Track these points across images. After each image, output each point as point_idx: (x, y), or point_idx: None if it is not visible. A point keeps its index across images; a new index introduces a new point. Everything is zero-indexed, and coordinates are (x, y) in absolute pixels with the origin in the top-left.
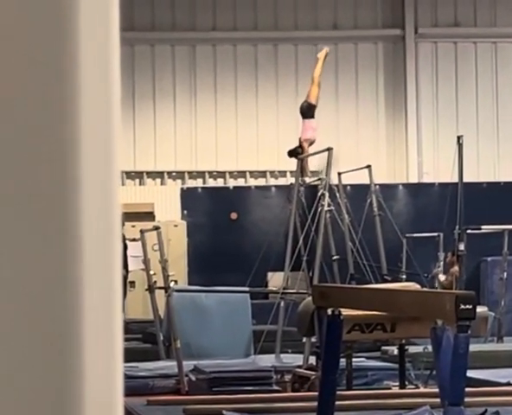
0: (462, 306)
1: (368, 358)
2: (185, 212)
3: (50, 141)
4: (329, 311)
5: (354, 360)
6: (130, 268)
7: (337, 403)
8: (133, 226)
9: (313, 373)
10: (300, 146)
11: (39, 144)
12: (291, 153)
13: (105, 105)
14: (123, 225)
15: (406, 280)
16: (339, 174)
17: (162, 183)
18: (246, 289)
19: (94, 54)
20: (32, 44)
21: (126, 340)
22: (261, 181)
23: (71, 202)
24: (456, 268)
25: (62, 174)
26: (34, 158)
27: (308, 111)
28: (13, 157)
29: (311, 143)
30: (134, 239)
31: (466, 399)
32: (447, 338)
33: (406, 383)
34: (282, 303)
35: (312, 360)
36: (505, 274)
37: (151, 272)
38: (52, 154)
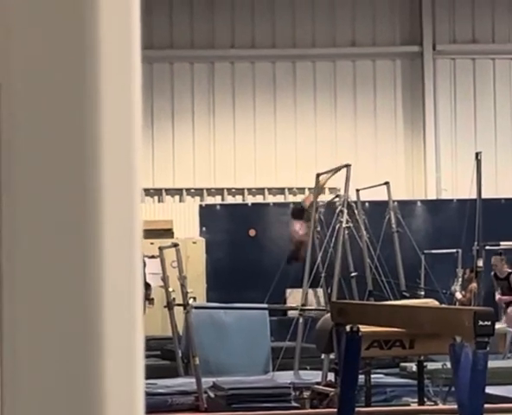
0: (480, 322)
1: (386, 374)
2: (204, 229)
3: (72, 159)
4: (348, 328)
5: (372, 376)
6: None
7: None
8: (152, 244)
9: (332, 389)
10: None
11: (61, 163)
12: (295, 213)
13: (127, 124)
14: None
15: (425, 297)
16: (357, 190)
17: (180, 200)
18: (265, 305)
19: (116, 73)
20: (54, 64)
21: (145, 356)
22: (279, 198)
23: (92, 221)
24: (474, 284)
25: (84, 192)
26: (57, 176)
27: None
28: (38, 175)
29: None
30: (153, 256)
31: None
32: (466, 354)
33: (425, 399)
34: (300, 320)
35: (331, 376)
36: None
37: (170, 289)
38: (74, 172)
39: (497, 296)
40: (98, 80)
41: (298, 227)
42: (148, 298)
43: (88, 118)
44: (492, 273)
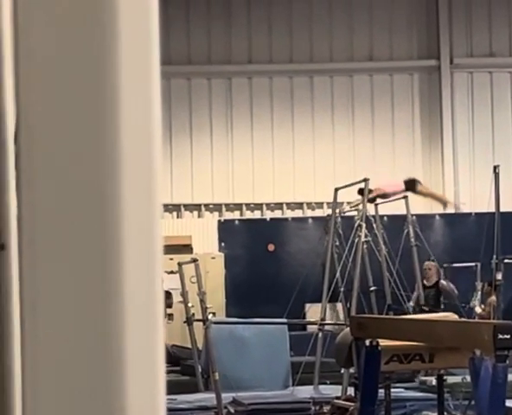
0: (500, 336)
1: (406, 388)
2: (222, 244)
3: (92, 175)
4: (367, 342)
5: (392, 390)
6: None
7: None
8: (171, 259)
9: (352, 404)
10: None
11: (82, 179)
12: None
13: (147, 140)
14: None
15: (444, 310)
16: (376, 204)
17: (199, 216)
18: (284, 320)
19: (135, 89)
20: (73, 83)
21: (165, 372)
22: (298, 213)
23: (112, 236)
24: (493, 298)
25: (104, 209)
26: (77, 193)
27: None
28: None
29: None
30: (172, 272)
31: None
32: (485, 368)
33: (445, 413)
34: (320, 334)
35: (351, 391)
36: None
37: (189, 304)
38: (94, 188)
39: None
40: (118, 96)
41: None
42: (169, 306)
43: (108, 134)
44: None
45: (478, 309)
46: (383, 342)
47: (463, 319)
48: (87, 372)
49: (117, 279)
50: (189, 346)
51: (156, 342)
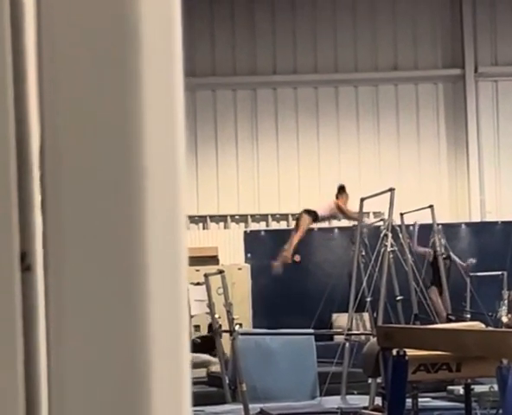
0: None
1: (434, 398)
2: (249, 255)
3: (117, 190)
4: (394, 352)
5: (420, 400)
6: (193, 312)
7: None
8: (197, 270)
9: (379, 413)
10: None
11: (107, 193)
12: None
13: (171, 155)
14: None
15: (471, 319)
16: (401, 214)
17: (225, 227)
18: (311, 331)
19: (159, 103)
20: (96, 96)
21: (192, 383)
22: (324, 223)
23: (137, 249)
24: None
25: (128, 222)
26: (102, 209)
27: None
28: (84, 203)
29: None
30: (198, 283)
31: None
32: None
33: None
34: (347, 345)
35: (378, 401)
36: None
37: (216, 316)
38: (118, 201)
39: None
40: (141, 108)
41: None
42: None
43: (133, 147)
44: None
45: (505, 319)
46: (410, 352)
47: (489, 328)
48: (113, 395)
49: (141, 294)
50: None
51: (182, 355)
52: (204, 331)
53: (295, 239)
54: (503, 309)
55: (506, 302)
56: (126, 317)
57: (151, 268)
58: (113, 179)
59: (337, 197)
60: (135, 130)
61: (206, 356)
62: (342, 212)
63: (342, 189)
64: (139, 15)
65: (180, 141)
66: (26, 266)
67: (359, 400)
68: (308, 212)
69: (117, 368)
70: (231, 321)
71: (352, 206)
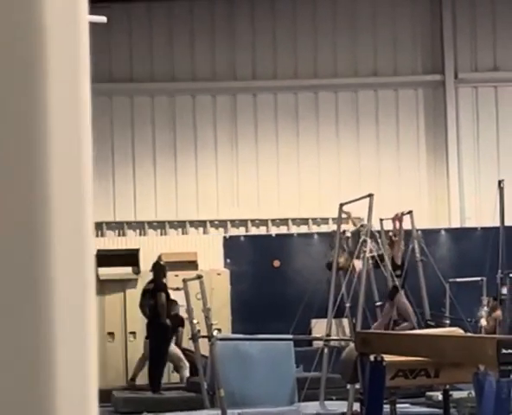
0: (504, 351)
1: (412, 404)
2: (228, 260)
3: (20, 198)
4: (372, 358)
5: (398, 406)
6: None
7: None
8: (176, 276)
9: None
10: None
11: (8, 201)
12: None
13: (76, 163)
14: (165, 275)
15: (450, 325)
16: (381, 220)
17: (204, 232)
18: (290, 336)
19: (64, 114)
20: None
21: (170, 389)
22: (303, 229)
23: (41, 258)
24: (498, 313)
25: (32, 231)
26: (6, 217)
27: None
28: None
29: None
30: (177, 289)
31: None
32: (490, 383)
33: None
34: (326, 350)
35: (357, 406)
36: None
37: (195, 321)
38: (22, 210)
39: None
40: (45, 118)
41: None
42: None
43: (37, 156)
44: None
45: (484, 322)
46: (388, 358)
47: (468, 334)
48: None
49: (46, 306)
50: None
51: (87, 366)
52: (184, 337)
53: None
54: (483, 311)
55: (485, 307)
56: (30, 321)
57: (57, 276)
58: (17, 187)
59: None
60: (39, 139)
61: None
62: None
63: None
64: (44, 24)
65: (86, 149)
66: None
67: (337, 406)
68: None
69: (21, 369)
70: (209, 326)
71: (331, 211)
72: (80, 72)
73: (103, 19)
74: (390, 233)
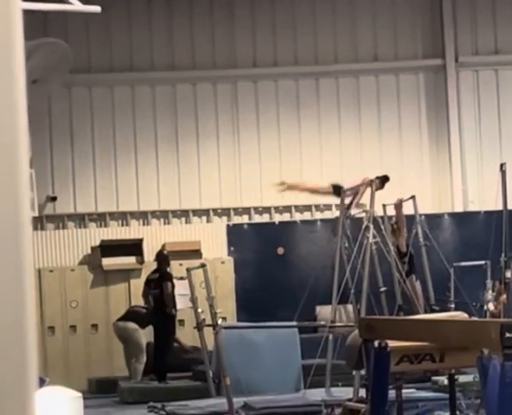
0: (507, 334)
1: (418, 389)
2: (232, 248)
3: None
4: (376, 343)
5: (404, 391)
6: (178, 307)
7: None
8: (180, 265)
9: (363, 405)
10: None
11: None
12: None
13: (12, 154)
14: (169, 264)
15: (455, 309)
16: (384, 205)
17: (208, 221)
18: (294, 323)
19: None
20: None
21: (177, 378)
22: (307, 216)
23: None
24: (504, 296)
25: None
26: None
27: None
28: None
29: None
30: (182, 278)
31: None
32: (494, 367)
33: (458, 413)
34: (330, 337)
35: (363, 392)
36: None
37: (199, 310)
38: None
39: None
40: None
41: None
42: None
43: None
44: None
45: (491, 306)
46: (393, 343)
47: (473, 318)
48: None
49: None
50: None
51: (27, 352)
52: (189, 326)
53: (308, 186)
54: (490, 296)
55: (490, 291)
56: None
57: None
58: None
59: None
60: None
61: (131, 324)
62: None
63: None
64: None
65: (21, 142)
66: None
67: (343, 392)
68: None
69: None
70: (214, 315)
71: (334, 197)
72: (13, 61)
73: (97, 9)
74: (392, 222)
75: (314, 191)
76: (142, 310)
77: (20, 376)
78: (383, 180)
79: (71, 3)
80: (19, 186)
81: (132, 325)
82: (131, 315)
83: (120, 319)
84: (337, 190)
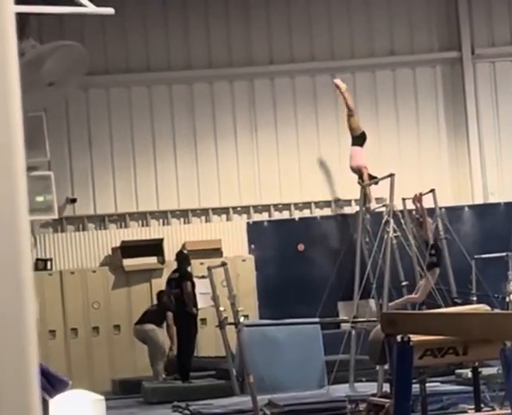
0: None
1: (442, 382)
2: (252, 246)
3: None
4: (399, 338)
5: (428, 385)
6: (199, 305)
7: None
8: (201, 264)
9: (388, 400)
10: (359, 173)
11: None
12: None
13: (7, 154)
14: (189, 263)
15: (477, 302)
16: (403, 199)
17: (227, 219)
18: (317, 320)
19: None
20: None
21: (200, 377)
22: (326, 211)
23: None
24: None
25: None
26: None
27: (358, 139)
28: None
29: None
30: (203, 276)
31: None
32: None
33: (482, 405)
34: (353, 332)
35: (387, 387)
36: None
37: (221, 308)
38: None
39: None
40: None
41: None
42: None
43: None
44: None
45: None
46: (416, 337)
47: (495, 310)
48: None
49: None
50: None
51: (28, 351)
52: (211, 324)
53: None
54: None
55: None
56: None
57: None
58: None
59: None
60: None
61: (149, 326)
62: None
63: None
64: None
65: (17, 139)
66: None
67: (367, 387)
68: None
69: None
70: (235, 313)
71: (353, 193)
72: (7, 61)
73: (110, 11)
74: (416, 215)
75: (350, 113)
76: (154, 308)
77: (20, 374)
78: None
79: (84, 6)
80: (16, 187)
81: (150, 326)
82: (146, 316)
83: (137, 322)
84: (360, 140)
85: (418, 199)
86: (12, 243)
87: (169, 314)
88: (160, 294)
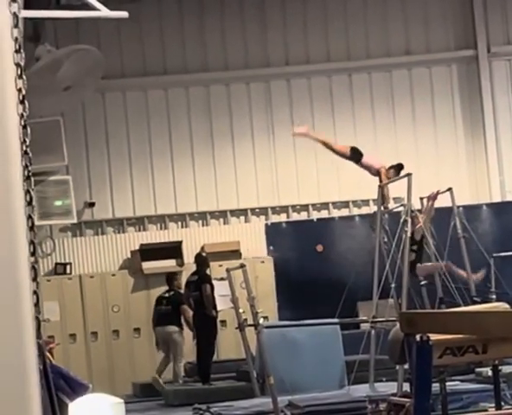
0: None
1: (462, 381)
2: (271, 247)
3: None
4: (418, 337)
5: (448, 384)
6: (219, 308)
7: None
8: (220, 266)
9: (408, 400)
10: (379, 174)
11: None
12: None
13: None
14: (208, 266)
15: (496, 300)
16: (421, 199)
17: (246, 221)
18: (336, 320)
19: None
20: None
21: (221, 379)
22: (344, 212)
23: None
24: None
25: None
26: None
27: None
28: None
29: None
30: (222, 278)
31: None
32: None
33: (502, 403)
34: (373, 332)
35: (407, 387)
36: None
37: (241, 310)
38: None
39: None
40: None
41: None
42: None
43: None
44: None
45: None
46: (435, 336)
47: None
48: None
49: None
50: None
51: (26, 354)
52: (231, 326)
53: (321, 137)
54: None
55: None
56: None
57: None
58: None
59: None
60: None
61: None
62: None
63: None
64: None
65: (12, 139)
66: None
67: (387, 387)
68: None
69: None
70: (255, 314)
71: (371, 193)
72: (2, 65)
73: (124, 14)
74: (413, 214)
75: (327, 145)
76: (169, 310)
77: (18, 373)
78: (398, 168)
79: (98, 10)
80: (12, 189)
81: (172, 328)
82: (164, 319)
83: (157, 325)
84: (356, 156)
85: (432, 197)
86: (9, 248)
87: (184, 307)
88: (160, 299)
